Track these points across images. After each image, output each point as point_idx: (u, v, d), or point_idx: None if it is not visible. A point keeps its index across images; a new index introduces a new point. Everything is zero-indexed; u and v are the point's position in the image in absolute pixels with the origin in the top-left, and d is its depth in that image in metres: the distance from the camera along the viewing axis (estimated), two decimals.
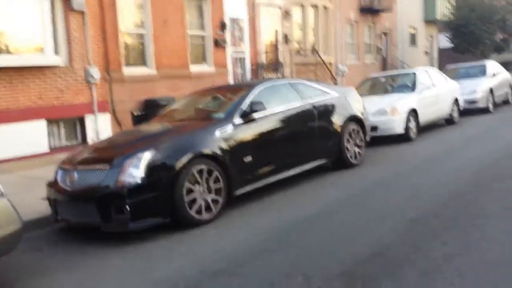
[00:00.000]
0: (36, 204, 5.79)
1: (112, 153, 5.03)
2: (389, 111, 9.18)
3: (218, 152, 5.19)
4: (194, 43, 12.63)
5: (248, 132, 5.66)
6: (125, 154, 4.81)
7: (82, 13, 9.69)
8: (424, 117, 9.96)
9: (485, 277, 3.13)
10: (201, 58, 12.92)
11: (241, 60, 14.27)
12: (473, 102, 12.80)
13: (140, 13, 11.29)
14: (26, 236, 5.09)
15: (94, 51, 9.97)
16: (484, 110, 12.96)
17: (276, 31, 15.62)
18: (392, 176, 6.52)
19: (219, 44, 13.08)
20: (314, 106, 6.69)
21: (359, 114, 7.38)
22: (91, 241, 4.82)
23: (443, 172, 6.40)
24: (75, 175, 4.94)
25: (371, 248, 3.80)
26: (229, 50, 13.66)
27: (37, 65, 8.95)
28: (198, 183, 4.91)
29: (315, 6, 17.21)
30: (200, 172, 4.93)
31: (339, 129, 6.92)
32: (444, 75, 12.13)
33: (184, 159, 4.82)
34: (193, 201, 4.84)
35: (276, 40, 15.67)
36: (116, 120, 10.52)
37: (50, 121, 9.31)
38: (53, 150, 9.20)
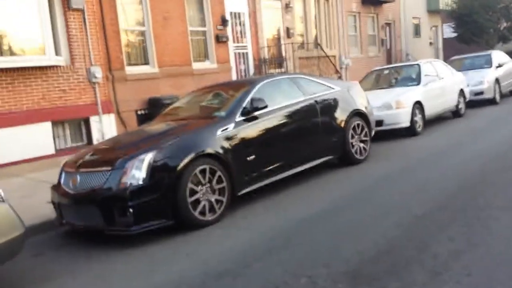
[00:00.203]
0: (42, 207, 5.78)
1: (114, 155, 4.99)
2: (394, 105, 9.08)
3: (220, 151, 5.14)
4: (195, 39, 12.56)
5: (250, 130, 5.60)
6: (127, 155, 4.77)
7: (81, 11, 9.62)
8: (430, 110, 9.85)
9: (493, 275, 3.07)
10: (203, 54, 12.85)
11: (244, 56, 14.19)
12: (479, 93, 12.65)
13: (140, 10, 11.22)
14: (31, 240, 5.12)
15: (95, 50, 9.93)
16: (491, 101, 12.80)
17: (278, 25, 15.51)
18: (398, 171, 6.46)
19: (220, 40, 13.00)
20: (316, 101, 6.62)
21: (363, 109, 7.30)
22: (95, 245, 4.80)
23: (449, 165, 6.32)
24: (78, 177, 4.91)
25: (377, 246, 3.75)
26: (231, 45, 13.58)
27: (39, 66, 8.91)
28: (201, 183, 4.87)
29: None
30: (203, 172, 4.89)
31: (342, 125, 6.84)
32: (449, 66, 12.00)
33: (186, 160, 4.78)
34: (197, 202, 4.80)
35: (278, 34, 15.57)
36: (121, 120, 10.49)
37: (55, 123, 9.31)
38: (59, 151, 9.19)
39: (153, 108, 10.32)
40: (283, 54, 15.12)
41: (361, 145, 7.12)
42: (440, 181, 5.55)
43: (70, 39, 9.56)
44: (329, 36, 17.80)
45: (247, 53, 14.26)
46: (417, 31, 25.97)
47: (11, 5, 8.61)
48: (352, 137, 6.96)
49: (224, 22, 13.12)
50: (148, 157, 4.65)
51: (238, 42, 13.90)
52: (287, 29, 15.65)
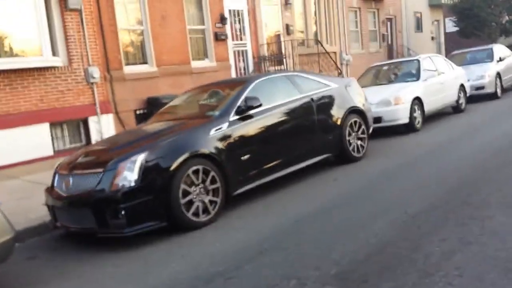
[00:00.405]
0: (39, 209, 5.75)
1: (106, 156, 4.96)
2: (393, 101, 9.01)
3: (214, 151, 5.10)
4: (194, 38, 12.50)
5: (245, 129, 5.55)
6: (119, 157, 4.74)
7: (78, 11, 9.59)
8: (430, 105, 9.76)
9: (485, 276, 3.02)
10: (202, 53, 12.79)
11: (243, 53, 14.12)
12: (480, 87, 12.54)
13: (138, 9, 11.18)
14: (26, 242, 5.12)
15: (93, 50, 9.90)
16: (492, 96, 12.68)
17: (277, 22, 15.42)
18: (396, 168, 6.39)
19: (219, 38, 12.93)
20: (312, 99, 6.56)
21: (360, 106, 7.23)
22: (89, 247, 4.78)
23: (448, 162, 6.26)
24: (71, 180, 4.89)
25: (370, 246, 3.71)
26: (230, 43, 13.52)
27: (36, 67, 8.89)
28: (194, 184, 4.83)
29: None
30: (196, 172, 4.85)
31: (339, 122, 6.79)
32: (449, 61, 11.89)
33: (179, 160, 4.74)
34: (190, 203, 4.77)
35: (278, 31, 15.48)
36: (119, 120, 10.47)
37: (53, 124, 9.29)
38: (58, 153, 9.17)
39: (152, 107, 10.27)
40: (283, 51, 15.03)
41: (359, 142, 7.06)
42: (437, 178, 5.48)
43: (68, 40, 9.53)
44: (330, 32, 17.69)
45: (246, 51, 14.18)
46: (418, 25, 25.78)
47: (7, 6, 8.58)
48: (349, 134, 6.90)
49: (223, 20, 13.05)
50: (140, 158, 4.62)
51: (237, 40, 13.84)
52: (287, 26, 15.56)
